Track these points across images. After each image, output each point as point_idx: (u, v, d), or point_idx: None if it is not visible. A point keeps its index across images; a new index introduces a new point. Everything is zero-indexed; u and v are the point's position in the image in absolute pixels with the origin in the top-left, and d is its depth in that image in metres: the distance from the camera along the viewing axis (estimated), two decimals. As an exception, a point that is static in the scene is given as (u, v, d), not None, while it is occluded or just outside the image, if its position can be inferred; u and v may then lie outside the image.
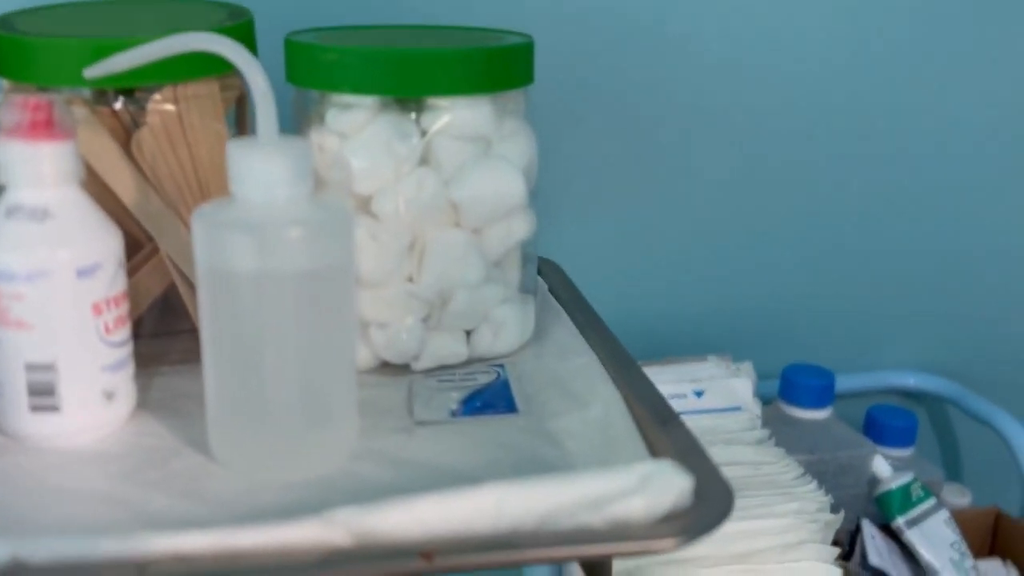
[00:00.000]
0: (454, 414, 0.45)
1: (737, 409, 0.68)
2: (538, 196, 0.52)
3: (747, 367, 0.72)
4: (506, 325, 0.49)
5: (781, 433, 0.71)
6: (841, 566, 0.58)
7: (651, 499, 0.32)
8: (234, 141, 0.37)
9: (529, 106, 0.51)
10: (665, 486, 0.33)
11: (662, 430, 0.39)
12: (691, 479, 0.34)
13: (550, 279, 0.59)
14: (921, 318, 0.83)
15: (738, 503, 0.60)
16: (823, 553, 0.57)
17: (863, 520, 0.69)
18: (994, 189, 0.81)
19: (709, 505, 0.33)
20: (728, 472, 0.63)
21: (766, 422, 0.70)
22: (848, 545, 0.68)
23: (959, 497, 0.76)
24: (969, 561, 0.67)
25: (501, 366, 0.49)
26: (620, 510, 0.33)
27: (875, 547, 0.67)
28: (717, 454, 0.64)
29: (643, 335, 0.79)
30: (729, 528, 0.58)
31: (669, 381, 0.69)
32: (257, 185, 0.37)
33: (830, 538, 0.58)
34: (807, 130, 0.77)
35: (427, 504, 0.32)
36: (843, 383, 0.80)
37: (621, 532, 0.32)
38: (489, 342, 0.49)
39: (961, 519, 0.72)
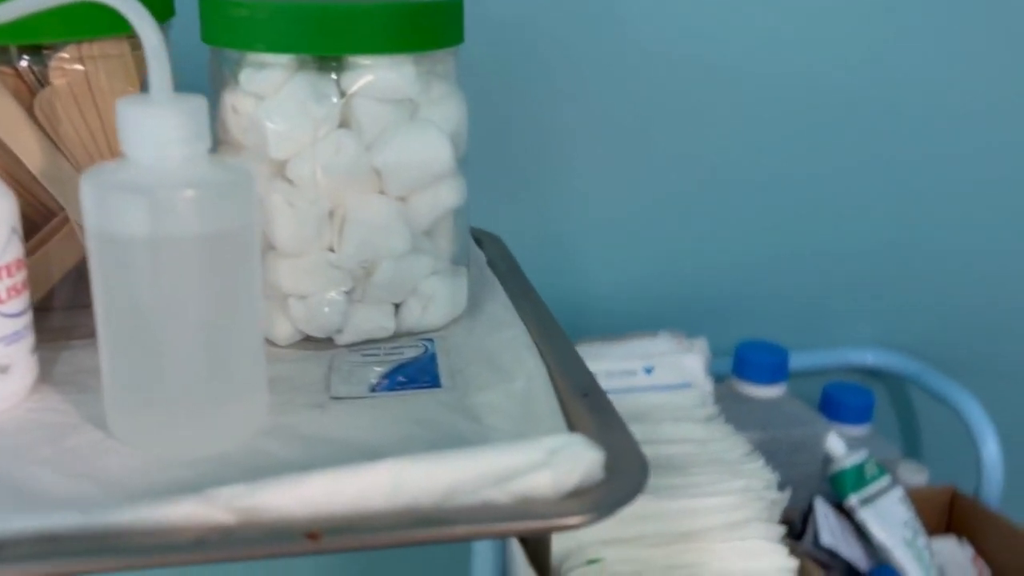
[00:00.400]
0: (374, 389, 0.43)
1: (687, 386, 0.67)
2: (476, 165, 0.50)
3: (700, 343, 0.71)
4: (436, 298, 0.47)
5: (733, 410, 0.70)
6: (791, 545, 0.56)
7: (558, 474, 0.31)
8: (124, 99, 0.35)
9: (460, 69, 0.49)
10: (573, 460, 0.31)
11: (583, 402, 0.38)
12: (601, 453, 0.32)
13: (489, 251, 0.57)
14: (881, 295, 0.82)
15: (683, 480, 0.59)
16: (769, 531, 0.55)
17: (816, 499, 0.67)
18: (954, 166, 0.80)
19: (622, 480, 0.32)
20: (674, 450, 0.61)
21: (718, 399, 0.69)
22: (801, 524, 0.67)
23: (916, 475, 0.75)
24: (923, 540, 0.66)
25: (430, 340, 0.47)
26: (525, 486, 0.31)
27: (828, 526, 0.66)
28: (665, 431, 0.63)
29: (593, 312, 0.78)
30: (673, 506, 0.57)
31: (618, 358, 0.67)
32: (149, 145, 0.35)
33: (777, 516, 0.57)
34: (760, 104, 0.75)
35: (317, 481, 0.30)
36: (801, 360, 0.79)
37: (526, 509, 0.30)
38: (418, 316, 0.47)
39: (917, 497, 0.71)
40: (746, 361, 0.69)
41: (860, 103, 0.77)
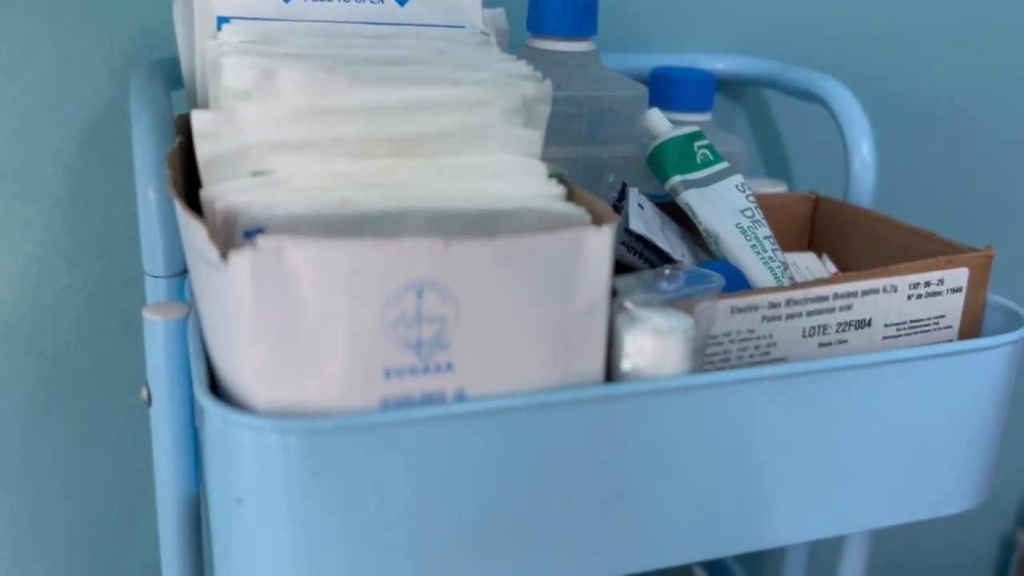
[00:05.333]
0: None
1: (460, 28, 0.50)
2: None
3: (497, 13, 0.54)
4: None
5: (523, 70, 0.52)
6: (557, 173, 0.40)
7: None
8: None
9: None
10: None
11: None
12: None
13: None
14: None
15: (402, 72, 0.42)
16: (520, 141, 0.39)
17: (629, 188, 0.51)
18: None
19: None
20: (401, 53, 0.44)
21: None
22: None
23: (773, 188, 0.59)
24: (765, 231, 0.50)
25: None
26: None
27: (640, 214, 0.50)
28: (396, 41, 0.45)
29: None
30: (382, 97, 0.40)
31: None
32: None
33: (541, 126, 0.40)
34: None
35: None
36: (640, 61, 0.63)
37: None
38: None
39: (772, 206, 0.56)
40: (542, 7, 0.51)
41: None
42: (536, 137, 0.39)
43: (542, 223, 0.36)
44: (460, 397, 0.35)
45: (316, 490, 0.33)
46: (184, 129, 0.47)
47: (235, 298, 0.32)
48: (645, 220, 0.50)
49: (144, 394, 0.42)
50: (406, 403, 0.34)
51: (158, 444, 0.42)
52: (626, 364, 0.37)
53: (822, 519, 0.42)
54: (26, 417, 0.62)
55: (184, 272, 0.45)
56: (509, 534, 0.36)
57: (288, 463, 0.33)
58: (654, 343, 0.36)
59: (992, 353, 0.42)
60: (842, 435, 0.41)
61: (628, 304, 0.36)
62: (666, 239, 0.50)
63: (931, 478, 0.43)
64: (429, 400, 0.34)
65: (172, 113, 0.48)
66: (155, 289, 0.44)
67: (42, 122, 0.58)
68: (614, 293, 0.37)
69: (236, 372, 0.34)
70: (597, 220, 0.36)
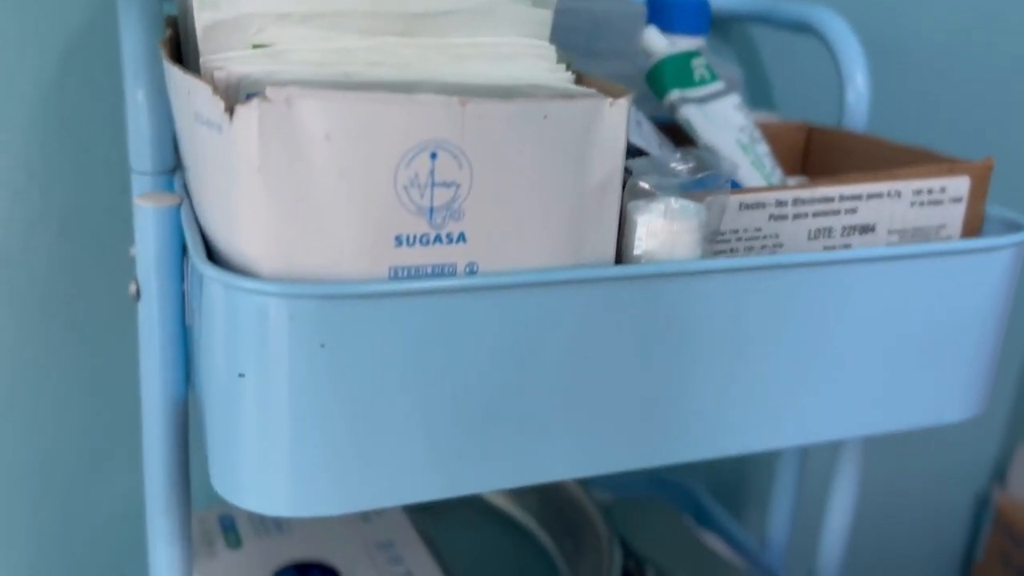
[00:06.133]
0: None
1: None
2: None
3: None
4: None
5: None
6: (566, 60, 0.39)
7: None
8: None
9: None
10: None
11: None
12: None
13: None
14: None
15: None
16: (529, 22, 0.38)
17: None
18: None
19: None
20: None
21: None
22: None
23: (765, 118, 0.59)
24: (763, 147, 0.50)
25: None
26: None
27: (639, 132, 0.49)
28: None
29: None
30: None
31: None
32: None
33: (551, 6, 0.39)
34: None
35: None
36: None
37: None
38: None
39: (766, 135, 0.55)
40: (538, -78, 0.51)
41: None
42: (546, 17, 0.38)
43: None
44: (471, 271, 0.34)
45: (322, 361, 0.32)
46: (174, 25, 0.46)
47: (240, 157, 0.31)
48: (643, 136, 0.49)
49: (132, 289, 0.40)
50: (416, 275, 0.33)
51: (145, 341, 0.40)
52: (638, 248, 0.36)
53: (823, 421, 0.42)
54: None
55: (173, 170, 0.43)
56: (513, 413, 0.35)
57: (294, 332, 0.32)
58: (666, 226, 0.36)
59: (994, 256, 0.42)
60: (847, 333, 0.41)
61: (643, 184, 0.36)
62: (662, 153, 0.50)
63: (933, 382, 0.43)
64: (440, 273, 0.33)
65: (162, 11, 0.47)
66: (142, 185, 0.43)
67: (18, 43, 0.56)
68: (627, 174, 0.36)
69: (239, 241, 0.33)
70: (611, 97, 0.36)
